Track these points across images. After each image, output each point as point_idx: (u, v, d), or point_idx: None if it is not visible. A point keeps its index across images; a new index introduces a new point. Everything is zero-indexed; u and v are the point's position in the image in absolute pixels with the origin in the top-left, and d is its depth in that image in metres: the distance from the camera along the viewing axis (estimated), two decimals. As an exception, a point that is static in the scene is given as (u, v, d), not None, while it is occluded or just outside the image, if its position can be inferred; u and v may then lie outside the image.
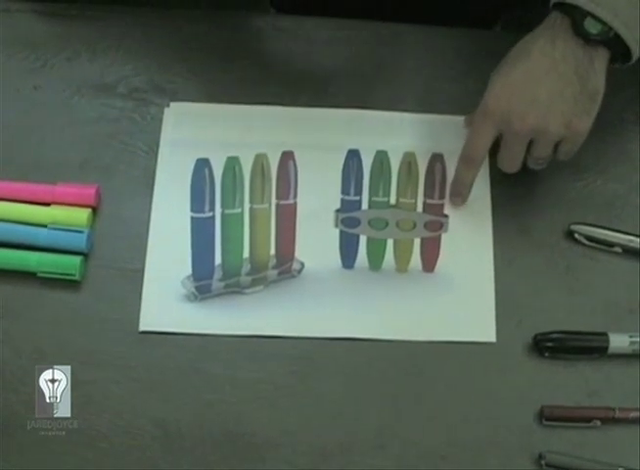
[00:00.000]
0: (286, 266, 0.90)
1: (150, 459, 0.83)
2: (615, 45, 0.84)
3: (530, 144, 0.86)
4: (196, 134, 0.94)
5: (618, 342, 0.85)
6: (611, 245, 0.90)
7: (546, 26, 0.86)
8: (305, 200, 0.91)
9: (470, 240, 0.91)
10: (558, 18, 0.85)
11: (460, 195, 0.91)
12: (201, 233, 0.90)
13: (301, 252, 0.90)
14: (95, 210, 0.90)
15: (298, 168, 0.92)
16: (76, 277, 0.87)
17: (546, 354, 0.86)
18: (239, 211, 0.90)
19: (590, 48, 0.84)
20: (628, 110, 0.96)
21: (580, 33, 0.84)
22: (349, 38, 0.99)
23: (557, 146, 0.87)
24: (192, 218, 0.90)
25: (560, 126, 0.85)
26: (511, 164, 0.88)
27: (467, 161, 0.90)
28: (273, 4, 1.15)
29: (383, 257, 0.90)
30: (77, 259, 0.87)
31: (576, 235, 0.90)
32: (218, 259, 0.89)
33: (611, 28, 0.83)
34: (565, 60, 0.84)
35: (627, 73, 0.88)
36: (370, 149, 0.93)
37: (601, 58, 0.84)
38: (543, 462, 0.82)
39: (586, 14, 0.83)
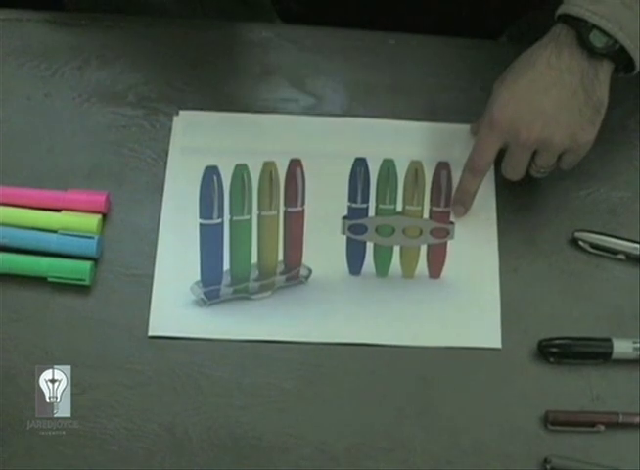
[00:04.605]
0: (293, 273, 0.90)
1: (157, 463, 0.83)
2: (619, 57, 0.85)
3: (535, 153, 0.87)
4: (204, 142, 0.94)
5: (622, 347, 0.86)
6: (615, 252, 0.91)
7: (551, 38, 0.86)
8: (313, 207, 0.92)
9: (475, 247, 0.91)
10: (563, 30, 0.85)
11: (463, 204, 0.92)
12: (209, 239, 0.90)
13: (309, 258, 0.91)
14: (105, 216, 0.91)
15: (306, 176, 0.93)
16: (86, 282, 0.87)
17: (551, 360, 0.86)
18: (247, 217, 0.91)
19: (595, 60, 0.85)
20: (631, 118, 0.97)
21: (586, 46, 0.84)
22: (356, 48, 1.00)
23: (560, 156, 0.88)
24: (201, 225, 0.91)
25: (564, 138, 0.85)
26: (515, 172, 0.89)
27: (472, 170, 0.90)
28: (280, 14, 1.16)
29: (389, 263, 0.91)
30: (88, 265, 0.88)
31: (581, 242, 0.91)
32: (227, 266, 0.90)
33: (616, 41, 0.84)
34: (570, 71, 0.85)
35: (629, 82, 0.89)
36: (377, 157, 0.93)
37: (605, 69, 0.85)
38: (548, 467, 0.83)
39: (592, 27, 0.84)
